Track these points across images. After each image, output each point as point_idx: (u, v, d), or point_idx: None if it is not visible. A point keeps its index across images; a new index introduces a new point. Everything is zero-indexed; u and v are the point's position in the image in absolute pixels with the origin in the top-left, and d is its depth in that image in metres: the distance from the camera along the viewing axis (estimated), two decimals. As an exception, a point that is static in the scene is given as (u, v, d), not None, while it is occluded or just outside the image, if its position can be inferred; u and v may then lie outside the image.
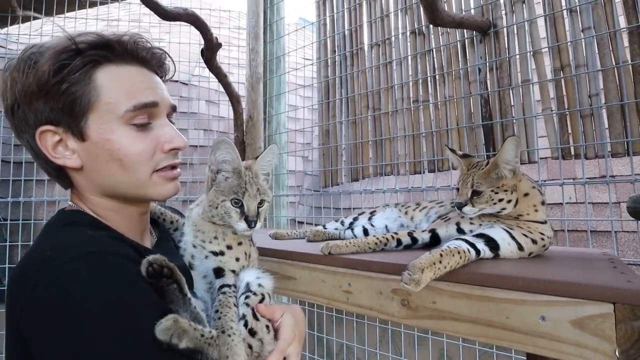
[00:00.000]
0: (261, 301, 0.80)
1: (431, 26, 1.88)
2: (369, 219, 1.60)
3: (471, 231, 1.01)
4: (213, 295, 0.82)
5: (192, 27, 1.98)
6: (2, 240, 2.54)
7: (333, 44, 2.36)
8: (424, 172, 1.86)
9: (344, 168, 2.17)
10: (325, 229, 1.66)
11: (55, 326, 0.54)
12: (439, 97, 1.83)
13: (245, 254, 0.87)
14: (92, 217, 0.73)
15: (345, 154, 2.18)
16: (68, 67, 0.65)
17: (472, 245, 0.89)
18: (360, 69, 2.16)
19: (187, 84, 3.53)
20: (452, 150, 1.19)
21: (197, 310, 0.74)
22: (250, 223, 0.80)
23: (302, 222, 3.20)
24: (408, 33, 1.98)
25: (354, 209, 2.69)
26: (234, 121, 2.49)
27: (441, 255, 0.79)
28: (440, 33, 1.84)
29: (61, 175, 0.74)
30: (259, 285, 0.83)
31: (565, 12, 1.53)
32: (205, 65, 2.18)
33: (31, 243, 2.45)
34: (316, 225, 2.63)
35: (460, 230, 1.10)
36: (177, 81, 3.41)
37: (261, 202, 0.83)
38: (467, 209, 0.95)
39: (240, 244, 0.87)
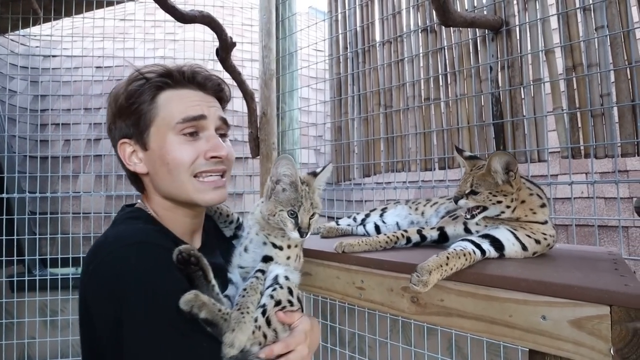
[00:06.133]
0: (290, 292, 0.89)
1: (443, 24, 1.88)
2: (381, 215, 1.65)
3: (477, 231, 1.06)
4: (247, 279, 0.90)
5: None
6: (32, 233, 2.68)
7: (345, 40, 2.38)
8: (434, 169, 1.90)
9: (357, 164, 2.21)
10: (338, 225, 1.72)
11: (107, 294, 0.70)
12: (450, 95, 1.85)
13: (297, 256, 0.99)
14: (148, 214, 0.89)
15: (358, 150, 2.22)
16: (137, 92, 0.84)
17: (478, 246, 0.94)
18: (372, 66, 2.18)
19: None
20: (459, 151, 1.22)
21: (220, 296, 0.86)
22: (302, 234, 0.90)
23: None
24: (420, 31, 1.99)
25: (365, 201, 2.75)
26: (248, 118, 2.55)
27: (448, 258, 0.84)
28: (452, 31, 1.85)
29: (137, 180, 0.92)
30: (286, 278, 0.92)
31: (578, 10, 1.53)
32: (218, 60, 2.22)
33: (58, 236, 2.59)
34: (329, 217, 2.71)
35: (467, 230, 1.14)
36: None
37: (312, 215, 0.93)
38: (462, 202, 1.01)
39: (295, 246, 0.99)
